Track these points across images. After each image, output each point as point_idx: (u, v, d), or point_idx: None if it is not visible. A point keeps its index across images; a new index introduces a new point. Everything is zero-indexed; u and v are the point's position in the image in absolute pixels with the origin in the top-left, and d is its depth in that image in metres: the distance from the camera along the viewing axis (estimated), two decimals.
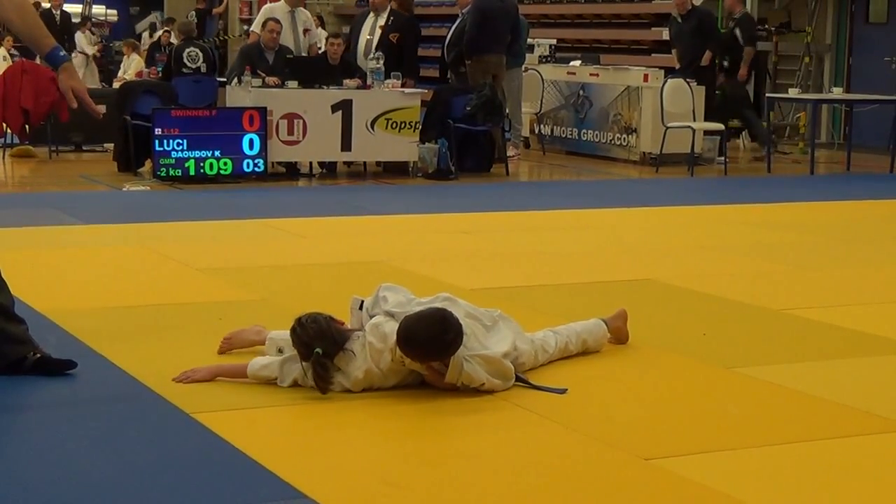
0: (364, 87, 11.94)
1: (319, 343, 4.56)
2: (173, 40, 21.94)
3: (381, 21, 13.04)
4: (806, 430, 4.39)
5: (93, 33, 22.49)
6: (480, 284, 6.70)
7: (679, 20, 14.21)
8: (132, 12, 27.94)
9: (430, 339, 4.51)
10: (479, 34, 12.99)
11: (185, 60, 13.01)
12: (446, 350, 4.53)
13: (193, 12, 22.53)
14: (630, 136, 13.70)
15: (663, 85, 13.22)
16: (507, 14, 13.37)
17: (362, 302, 4.98)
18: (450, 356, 4.53)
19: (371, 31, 13.04)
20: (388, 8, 13.14)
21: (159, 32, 22.14)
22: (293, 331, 4.65)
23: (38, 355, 4.82)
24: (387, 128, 11.85)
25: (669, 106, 13.10)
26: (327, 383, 4.54)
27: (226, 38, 24.17)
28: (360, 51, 12.95)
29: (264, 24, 12.53)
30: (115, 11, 27.05)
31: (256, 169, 11.39)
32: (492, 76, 13.00)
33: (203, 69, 13.29)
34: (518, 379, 4.74)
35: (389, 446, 4.20)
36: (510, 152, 13.20)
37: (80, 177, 11.63)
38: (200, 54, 13.14)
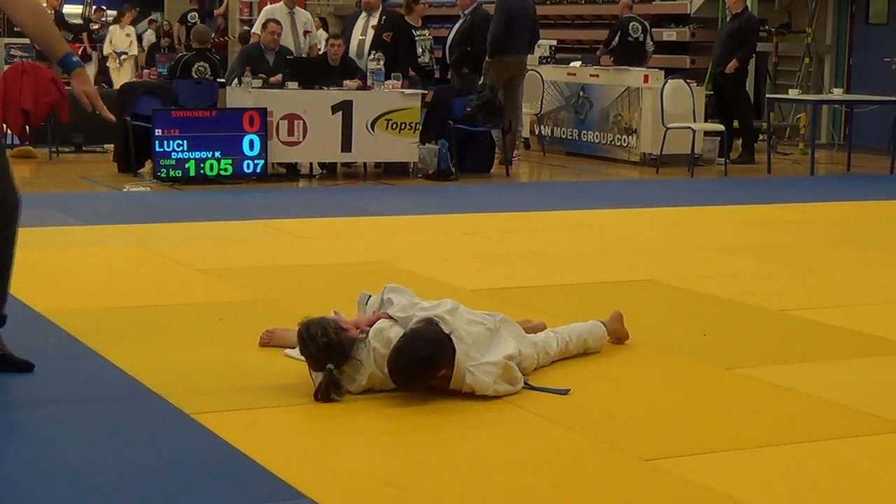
0: (364, 87, 11.94)
1: (329, 357, 4.54)
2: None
3: (374, 21, 13.02)
4: (806, 430, 4.39)
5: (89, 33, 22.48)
6: (481, 285, 6.70)
7: (728, 19, 14.27)
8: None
9: (409, 371, 4.51)
10: (504, 34, 12.91)
11: (193, 74, 13.00)
12: (432, 367, 4.52)
13: (196, 14, 22.47)
14: (630, 137, 13.70)
15: (663, 86, 13.23)
16: (528, 14, 13.30)
17: (370, 297, 4.98)
18: (440, 368, 4.52)
19: (363, 31, 13.01)
20: (381, 7, 13.13)
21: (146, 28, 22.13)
22: (301, 339, 4.62)
23: (2, 353, 4.83)
24: (387, 128, 11.85)
25: (669, 107, 13.10)
26: (333, 401, 4.53)
27: (226, 39, 24.15)
28: (353, 51, 12.93)
29: (265, 26, 12.53)
30: (114, 13, 27.02)
31: (256, 170, 11.38)
32: (509, 77, 12.97)
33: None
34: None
35: (390, 447, 4.20)
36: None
37: (81, 178, 11.63)
38: (209, 68, 13.13)
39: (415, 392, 4.60)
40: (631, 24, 15.23)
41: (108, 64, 20.92)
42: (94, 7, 24.23)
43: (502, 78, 12.91)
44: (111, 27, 21.71)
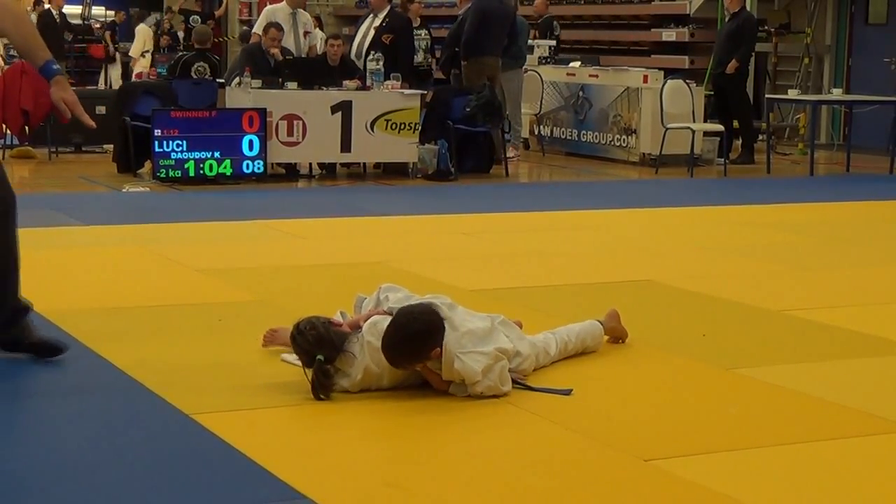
0: (364, 88, 11.93)
1: (319, 350, 4.56)
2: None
3: (377, 21, 13.04)
4: (806, 430, 4.39)
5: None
6: (480, 285, 6.70)
7: (726, 19, 14.28)
8: (132, 13, 27.92)
9: (402, 339, 4.50)
10: (478, 35, 12.98)
11: (193, 74, 13.00)
12: (424, 342, 4.51)
13: (197, 17, 22.46)
14: (629, 137, 13.71)
15: (663, 86, 13.23)
16: (506, 15, 13.38)
17: (366, 299, 4.99)
18: (431, 346, 4.51)
19: (366, 31, 13.04)
20: (387, 9, 13.14)
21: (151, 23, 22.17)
22: (293, 339, 4.65)
23: (31, 339, 4.95)
24: (386, 129, 11.85)
25: (669, 107, 13.10)
26: (328, 391, 4.54)
27: (225, 39, 24.14)
28: (353, 51, 12.95)
29: (266, 31, 12.51)
30: (114, 13, 27.02)
31: (256, 170, 11.38)
32: (487, 78, 13.01)
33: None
34: (521, 385, 4.72)
35: (389, 447, 4.21)
36: (510, 153, 13.20)
37: (80, 178, 11.63)
38: (208, 69, 13.13)
39: (407, 371, 4.59)
40: (553, 22, 16.41)
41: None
42: (91, 7, 24.22)
43: (480, 79, 12.93)
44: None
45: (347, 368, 4.62)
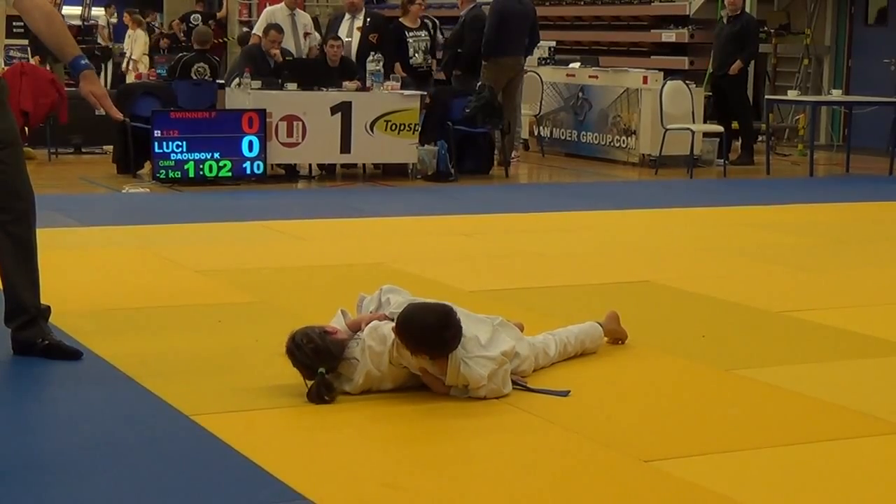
0: (363, 89, 11.94)
1: (319, 362, 4.55)
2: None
3: (359, 23, 13.03)
4: (805, 432, 4.39)
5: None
6: (479, 286, 6.71)
7: (725, 21, 14.26)
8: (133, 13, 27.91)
9: (428, 328, 4.49)
10: (496, 36, 12.94)
11: (193, 74, 13.00)
12: (442, 345, 4.51)
13: (199, 16, 22.46)
14: (629, 138, 13.71)
15: (662, 87, 13.23)
16: (526, 16, 13.30)
17: (367, 298, 5.00)
18: (444, 354, 4.51)
19: (349, 33, 13.02)
20: (364, 9, 13.15)
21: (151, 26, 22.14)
22: (289, 352, 4.63)
23: (48, 341, 5.00)
24: (386, 130, 11.85)
25: (668, 108, 13.11)
26: (328, 402, 4.53)
27: (225, 40, 24.15)
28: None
29: (266, 33, 12.51)
30: (114, 13, 27.02)
31: (256, 171, 11.38)
32: (508, 79, 13.00)
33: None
34: (520, 386, 4.73)
35: (389, 448, 4.21)
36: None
37: (80, 179, 11.63)
38: (208, 70, 13.14)
39: (422, 353, 4.57)
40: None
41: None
42: (91, 8, 24.20)
43: (500, 79, 12.92)
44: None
45: (350, 374, 4.62)
